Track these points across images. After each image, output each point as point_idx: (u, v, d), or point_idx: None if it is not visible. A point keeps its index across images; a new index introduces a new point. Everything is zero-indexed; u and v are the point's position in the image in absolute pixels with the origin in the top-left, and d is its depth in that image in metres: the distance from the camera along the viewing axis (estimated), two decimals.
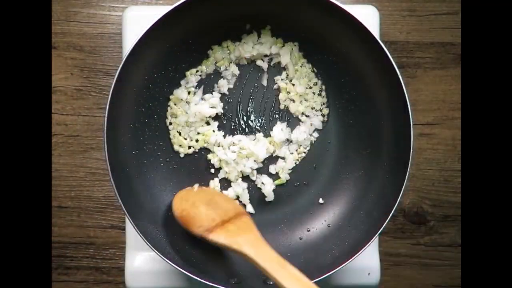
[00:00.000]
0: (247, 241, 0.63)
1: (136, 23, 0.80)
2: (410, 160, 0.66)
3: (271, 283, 0.69)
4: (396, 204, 0.66)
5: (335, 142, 0.80)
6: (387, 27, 0.93)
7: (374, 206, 0.73)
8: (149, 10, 0.82)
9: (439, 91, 0.94)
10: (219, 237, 0.64)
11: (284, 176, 0.79)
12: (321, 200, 0.80)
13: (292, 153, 0.80)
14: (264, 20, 0.76)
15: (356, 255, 0.65)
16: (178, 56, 0.76)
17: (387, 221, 0.66)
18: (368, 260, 0.82)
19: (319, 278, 0.65)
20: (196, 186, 0.75)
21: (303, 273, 0.69)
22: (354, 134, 0.79)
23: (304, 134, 0.79)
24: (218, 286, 0.64)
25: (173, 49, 0.74)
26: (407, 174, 0.66)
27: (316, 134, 0.80)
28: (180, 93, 0.77)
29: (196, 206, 0.69)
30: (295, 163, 0.80)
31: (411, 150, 0.66)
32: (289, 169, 0.80)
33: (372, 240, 0.66)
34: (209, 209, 0.69)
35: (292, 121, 0.80)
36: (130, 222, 0.65)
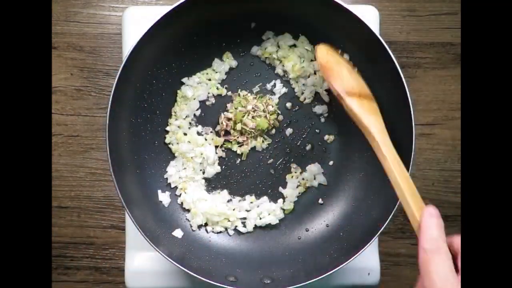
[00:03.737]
0: (375, 123, 0.63)
1: (136, 23, 0.80)
2: (411, 162, 0.66)
3: (268, 282, 0.69)
4: (396, 206, 0.66)
5: (335, 143, 0.80)
6: (387, 27, 0.93)
7: (374, 207, 0.73)
8: (149, 10, 0.82)
9: (439, 91, 0.94)
10: (353, 103, 0.64)
11: (290, 206, 0.79)
12: (320, 201, 0.80)
13: (298, 186, 0.80)
14: (268, 18, 0.76)
15: (354, 256, 0.65)
16: (182, 52, 0.76)
17: (386, 223, 0.66)
18: (368, 260, 0.82)
19: (318, 278, 0.65)
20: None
21: (299, 275, 0.70)
22: (355, 135, 0.79)
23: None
24: (216, 284, 0.64)
25: (178, 45, 0.74)
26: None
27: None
28: (186, 90, 0.77)
29: (340, 66, 0.69)
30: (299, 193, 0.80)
31: (413, 152, 0.66)
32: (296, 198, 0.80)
33: (371, 242, 0.66)
34: (351, 76, 0.69)
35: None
36: (130, 217, 0.65)
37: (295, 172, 0.79)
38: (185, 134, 0.78)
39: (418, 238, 0.52)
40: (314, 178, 0.79)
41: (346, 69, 0.70)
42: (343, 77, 0.68)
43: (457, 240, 0.51)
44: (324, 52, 0.70)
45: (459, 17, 0.93)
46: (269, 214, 0.78)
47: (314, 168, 0.79)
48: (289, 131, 0.79)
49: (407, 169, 0.66)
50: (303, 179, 0.79)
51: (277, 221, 0.78)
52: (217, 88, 0.78)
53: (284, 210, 0.79)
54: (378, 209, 0.72)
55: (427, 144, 0.94)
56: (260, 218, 0.78)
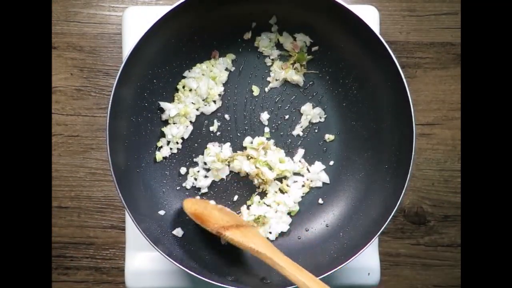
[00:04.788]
0: (262, 243, 0.66)
1: (136, 23, 0.80)
2: (411, 164, 0.66)
3: (268, 281, 0.69)
4: (396, 208, 0.66)
5: (336, 144, 0.80)
6: (387, 27, 0.93)
7: (374, 208, 0.73)
8: (149, 10, 0.82)
9: (439, 91, 0.94)
10: (235, 235, 0.67)
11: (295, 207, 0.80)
12: (320, 201, 0.80)
13: (303, 186, 0.80)
14: (268, 18, 0.76)
15: (354, 256, 0.65)
16: (182, 51, 0.76)
17: (386, 224, 0.66)
18: (368, 260, 0.82)
19: (318, 278, 0.65)
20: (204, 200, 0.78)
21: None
22: (355, 136, 0.79)
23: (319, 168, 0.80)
24: (216, 284, 0.64)
25: (178, 44, 0.74)
26: (408, 177, 0.66)
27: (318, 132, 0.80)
28: (189, 82, 0.77)
29: (208, 210, 0.73)
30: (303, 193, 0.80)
31: (413, 154, 0.66)
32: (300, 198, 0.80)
33: (371, 242, 0.66)
34: (221, 214, 0.73)
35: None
36: (130, 216, 0.65)
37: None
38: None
39: None
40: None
41: (216, 210, 0.74)
42: (216, 217, 0.71)
43: None
44: (189, 204, 0.74)
45: (459, 17, 0.93)
46: (277, 223, 0.78)
47: (316, 167, 0.79)
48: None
49: (407, 169, 0.66)
50: (307, 179, 0.79)
51: (288, 227, 0.79)
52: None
53: (290, 212, 0.79)
54: (378, 209, 0.72)
55: (427, 144, 0.94)
56: (270, 232, 0.79)
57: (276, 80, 0.79)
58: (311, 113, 0.79)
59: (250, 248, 0.65)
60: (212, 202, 0.78)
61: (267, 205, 0.79)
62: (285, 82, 0.79)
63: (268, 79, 0.79)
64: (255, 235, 0.69)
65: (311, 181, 0.80)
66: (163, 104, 0.77)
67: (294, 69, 0.78)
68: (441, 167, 0.94)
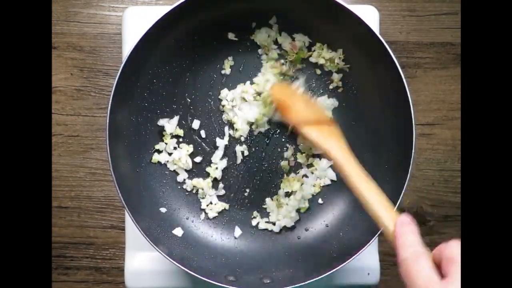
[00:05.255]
0: (337, 146, 0.64)
1: (136, 24, 0.80)
2: (411, 164, 0.66)
3: (267, 281, 0.69)
4: (396, 208, 0.66)
5: None
6: (387, 27, 0.93)
7: None
8: (149, 10, 0.82)
9: (439, 91, 0.94)
10: (312, 132, 0.65)
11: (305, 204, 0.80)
12: (320, 201, 0.80)
13: (314, 186, 0.80)
14: (268, 18, 0.76)
15: (354, 256, 0.65)
16: (182, 51, 0.76)
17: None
18: (368, 260, 0.82)
19: (317, 278, 0.65)
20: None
21: (299, 274, 0.70)
22: (355, 136, 0.78)
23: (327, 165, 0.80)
24: (216, 284, 0.64)
25: (178, 44, 0.74)
26: (408, 177, 0.66)
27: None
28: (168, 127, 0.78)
29: (294, 100, 0.71)
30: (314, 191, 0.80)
31: (413, 154, 0.66)
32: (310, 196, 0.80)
33: (370, 242, 0.66)
34: (306, 107, 0.70)
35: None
36: (130, 216, 0.65)
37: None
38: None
39: (395, 249, 0.51)
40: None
41: (301, 101, 0.72)
42: (298, 109, 0.69)
43: (445, 248, 0.50)
44: (277, 90, 0.72)
45: (459, 17, 0.93)
46: (284, 217, 0.78)
47: (323, 163, 0.79)
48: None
49: (407, 169, 0.66)
50: (317, 178, 0.79)
51: (293, 223, 0.79)
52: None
53: (299, 209, 0.79)
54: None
55: (427, 144, 0.94)
56: (274, 224, 0.79)
57: (267, 81, 0.77)
58: (323, 104, 0.79)
59: (324, 149, 0.63)
60: (301, 89, 0.75)
61: (278, 201, 0.79)
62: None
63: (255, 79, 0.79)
64: (332, 134, 0.66)
65: (320, 179, 0.79)
66: (162, 121, 0.77)
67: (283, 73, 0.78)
68: (441, 167, 0.94)
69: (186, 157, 0.78)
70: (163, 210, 0.76)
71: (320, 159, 0.79)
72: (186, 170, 0.79)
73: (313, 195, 0.79)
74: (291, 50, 0.78)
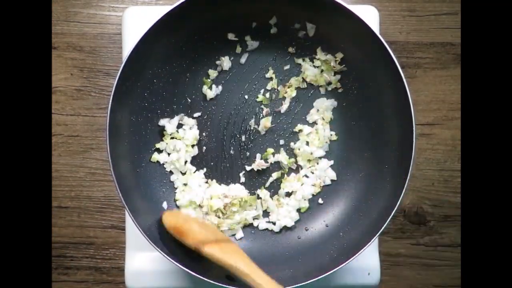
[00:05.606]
0: (241, 259, 0.65)
1: (136, 24, 0.80)
2: (411, 164, 0.66)
3: None
4: (396, 208, 0.66)
5: (336, 144, 0.80)
6: (387, 27, 0.93)
7: (374, 208, 0.73)
8: (149, 10, 0.82)
9: (439, 91, 0.94)
10: (213, 250, 0.66)
11: (305, 204, 0.80)
12: (320, 200, 0.80)
13: (313, 185, 0.80)
14: (268, 18, 0.76)
15: (354, 256, 0.65)
16: (183, 51, 0.76)
17: (385, 224, 0.66)
18: (368, 260, 0.82)
19: (318, 278, 0.65)
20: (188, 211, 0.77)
21: (299, 274, 0.70)
22: (356, 136, 0.79)
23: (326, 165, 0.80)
24: (216, 283, 0.64)
25: (178, 44, 0.74)
26: (408, 177, 0.66)
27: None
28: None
29: (188, 223, 0.72)
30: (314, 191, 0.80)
31: (413, 154, 0.66)
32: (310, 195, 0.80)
33: (371, 242, 0.66)
34: (201, 228, 0.72)
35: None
36: (130, 216, 0.65)
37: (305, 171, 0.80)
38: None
39: None
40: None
41: (196, 224, 0.72)
42: (195, 231, 0.70)
43: None
44: (169, 217, 0.72)
45: (459, 17, 0.93)
46: (284, 216, 0.78)
47: (323, 163, 0.79)
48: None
49: (407, 169, 0.66)
50: (317, 178, 0.79)
51: (293, 223, 0.79)
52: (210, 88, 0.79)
53: (300, 209, 0.79)
54: (378, 209, 0.72)
55: (427, 144, 0.94)
56: (274, 224, 0.79)
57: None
58: (323, 106, 0.79)
59: (230, 265, 0.64)
60: (193, 214, 0.77)
61: (278, 201, 0.79)
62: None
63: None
64: (234, 251, 0.68)
65: (321, 179, 0.79)
66: (163, 121, 0.77)
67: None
68: (441, 167, 0.94)
69: (184, 158, 0.78)
70: (163, 209, 0.76)
71: (320, 159, 0.79)
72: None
73: (313, 195, 0.79)
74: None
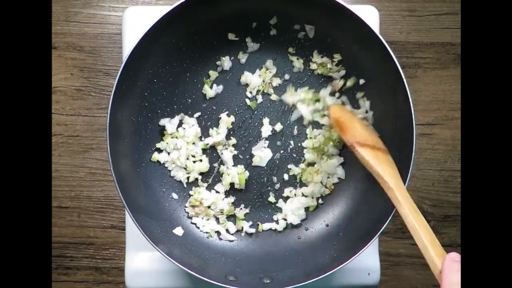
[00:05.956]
0: (390, 172, 0.64)
1: (136, 24, 0.80)
2: (411, 164, 0.66)
3: (267, 281, 0.69)
4: (396, 208, 0.66)
5: (336, 144, 0.80)
6: (387, 27, 0.93)
7: (374, 207, 0.73)
8: (149, 10, 0.82)
9: (439, 91, 0.94)
10: (367, 153, 0.66)
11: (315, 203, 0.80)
12: (320, 200, 0.80)
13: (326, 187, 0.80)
14: (268, 18, 0.76)
15: (354, 256, 0.65)
16: (183, 51, 0.76)
17: (386, 224, 0.66)
18: (368, 260, 0.82)
19: (318, 278, 0.65)
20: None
21: (299, 274, 0.70)
22: None
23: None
24: (216, 283, 0.64)
25: (179, 44, 0.74)
26: (408, 177, 0.66)
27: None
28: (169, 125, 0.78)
29: (353, 120, 0.72)
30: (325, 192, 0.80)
31: (413, 154, 0.66)
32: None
33: (371, 242, 0.66)
34: (364, 130, 0.71)
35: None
36: (130, 216, 0.65)
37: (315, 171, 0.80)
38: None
39: (440, 283, 0.51)
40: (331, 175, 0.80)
41: (359, 124, 0.72)
42: (355, 129, 0.70)
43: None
44: (336, 109, 0.73)
45: (459, 17, 0.93)
46: (292, 213, 0.78)
47: (334, 160, 0.79)
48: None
49: (407, 169, 0.66)
50: (328, 177, 0.79)
51: (299, 221, 0.79)
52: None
53: (308, 207, 0.79)
54: (378, 209, 0.72)
55: (427, 144, 0.94)
56: (277, 223, 0.79)
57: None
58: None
59: (377, 172, 0.64)
60: (359, 115, 0.76)
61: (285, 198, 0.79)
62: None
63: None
64: (387, 161, 0.67)
65: (331, 177, 0.79)
66: (163, 121, 0.77)
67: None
68: (441, 167, 0.94)
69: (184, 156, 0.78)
70: (163, 209, 0.76)
71: (332, 156, 0.79)
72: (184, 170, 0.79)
73: (322, 195, 0.79)
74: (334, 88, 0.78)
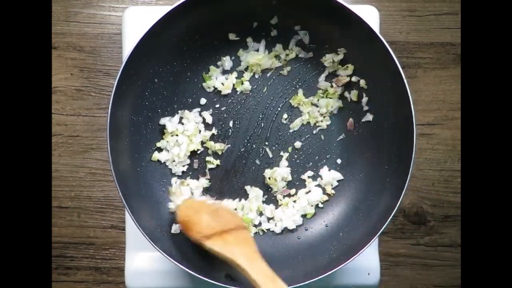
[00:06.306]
0: (242, 253, 0.65)
1: (136, 24, 0.80)
2: (411, 164, 0.66)
3: None
4: (396, 208, 0.66)
5: (336, 144, 0.80)
6: (387, 27, 0.93)
7: (374, 208, 0.73)
8: (149, 10, 0.82)
9: (439, 91, 0.94)
10: (215, 244, 0.66)
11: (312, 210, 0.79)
12: (320, 204, 0.80)
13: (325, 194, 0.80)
14: (268, 18, 0.76)
15: (354, 256, 0.65)
16: (184, 50, 0.76)
17: (385, 225, 0.66)
18: (368, 260, 0.82)
19: (318, 278, 0.65)
20: (205, 198, 0.77)
21: (299, 274, 0.70)
22: (355, 136, 0.79)
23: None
24: (216, 283, 0.64)
25: (179, 44, 0.74)
26: (408, 177, 0.66)
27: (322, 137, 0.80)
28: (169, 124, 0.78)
29: (199, 214, 0.71)
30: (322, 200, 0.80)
31: (413, 154, 0.66)
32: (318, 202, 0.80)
33: (371, 242, 0.66)
34: (211, 218, 0.71)
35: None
36: (130, 216, 0.65)
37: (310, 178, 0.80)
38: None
39: None
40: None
41: (207, 215, 0.71)
42: (202, 224, 0.69)
43: None
44: (184, 208, 0.72)
45: (459, 17, 0.93)
46: (288, 218, 0.78)
47: (325, 171, 0.79)
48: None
49: (407, 169, 0.66)
50: (328, 184, 0.79)
51: (295, 227, 0.79)
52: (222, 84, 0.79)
53: (305, 215, 0.79)
54: (378, 210, 0.72)
55: (427, 144, 0.94)
56: (276, 225, 0.79)
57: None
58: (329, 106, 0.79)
59: (230, 259, 0.64)
60: (210, 201, 0.76)
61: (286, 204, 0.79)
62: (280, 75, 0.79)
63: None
64: (240, 241, 0.67)
65: (329, 184, 0.79)
66: (163, 120, 0.77)
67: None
68: (441, 167, 0.94)
69: (185, 156, 0.78)
70: (163, 209, 0.76)
71: (322, 167, 0.79)
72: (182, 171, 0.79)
73: (320, 202, 0.79)
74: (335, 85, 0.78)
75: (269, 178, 0.78)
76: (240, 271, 0.63)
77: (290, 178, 0.79)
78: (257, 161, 0.79)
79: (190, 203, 0.75)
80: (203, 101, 0.79)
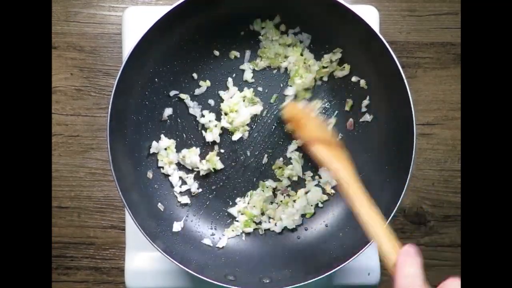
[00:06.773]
0: (344, 168, 0.65)
1: (136, 23, 0.80)
2: (411, 164, 0.66)
3: (267, 281, 0.69)
4: (396, 208, 0.66)
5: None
6: (387, 27, 0.93)
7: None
8: (149, 10, 0.82)
9: (439, 91, 0.94)
10: (321, 150, 0.67)
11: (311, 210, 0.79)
12: (320, 204, 0.80)
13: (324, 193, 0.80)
14: (269, 18, 0.76)
15: (354, 256, 0.65)
16: (184, 50, 0.76)
17: (386, 223, 0.66)
18: (368, 260, 0.82)
19: (317, 278, 0.65)
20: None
21: (298, 274, 0.70)
22: (355, 136, 0.79)
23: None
24: (216, 283, 0.64)
25: (179, 43, 0.74)
26: (408, 177, 0.66)
27: None
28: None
29: (307, 119, 0.73)
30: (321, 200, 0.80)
31: (413, 154, 0.66)
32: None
33: (370, 243, 0.66)
34: (317, 127, 0.72)
35: None
36: (130, 215, 0.65)
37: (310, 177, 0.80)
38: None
39: (393, 277, 0.50)
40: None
41: (314, 121, 0.73)
42: (310, 127, 0.71)
43: (444, 286, 0.50)
44: (290, 108, 0.74)
45: (459, 17, 0.93)
46: (287, 217, 0.78)
47: (323, 170, 0.79)
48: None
49: (407, 169, 0.66)
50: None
51: (294, 226, 0.79)
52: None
53: (305, 214, 0.79)
54: (378, 210, 0.72)
55: (427, 144, 0.94)
56: (276, 224, 0.79)
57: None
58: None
59: (332, 168, 0.65)
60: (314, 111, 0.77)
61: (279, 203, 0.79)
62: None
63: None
64: (341, 158, 0.67)
65: (328, 183, 0.79)
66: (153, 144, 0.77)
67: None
68: (441, 167, 0.94)
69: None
70: (163, 209, 0.76)
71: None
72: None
73: (320, 201, 0.79)
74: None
75: (279, 168, 0.78)
76: (339, 184, 0.63)
77: (296, 178, 0.79)
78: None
79: (296, 105, 0.76)
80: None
